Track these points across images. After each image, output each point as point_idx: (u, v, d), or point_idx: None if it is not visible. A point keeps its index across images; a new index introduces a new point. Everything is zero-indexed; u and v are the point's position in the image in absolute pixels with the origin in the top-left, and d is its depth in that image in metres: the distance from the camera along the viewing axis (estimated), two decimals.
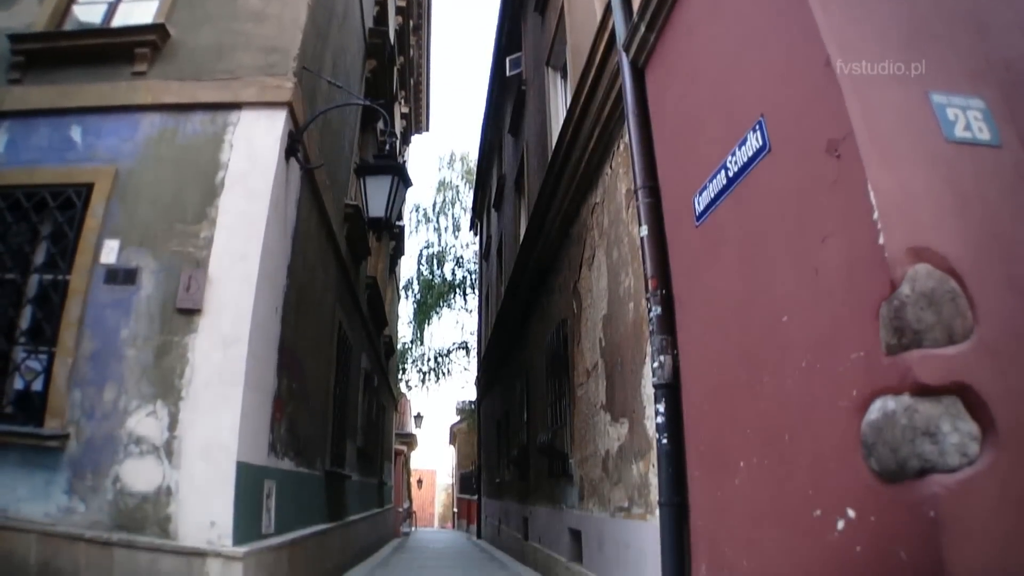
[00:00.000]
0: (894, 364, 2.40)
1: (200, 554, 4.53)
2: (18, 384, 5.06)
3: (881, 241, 2.47)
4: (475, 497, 22.59)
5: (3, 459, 4.79)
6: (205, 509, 4.62)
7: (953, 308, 2.41)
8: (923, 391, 2.32)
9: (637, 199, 4.81)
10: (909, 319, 2.37)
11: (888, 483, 2.40)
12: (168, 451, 4.72)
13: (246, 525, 4.84)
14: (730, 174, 3.71)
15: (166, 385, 4.85)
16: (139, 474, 4.71)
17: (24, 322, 5.21)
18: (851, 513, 2.60)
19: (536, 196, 9.03)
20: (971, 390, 2.33)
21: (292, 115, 5.69)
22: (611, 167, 6.20)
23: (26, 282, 5.27)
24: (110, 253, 5.15)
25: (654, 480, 4.59)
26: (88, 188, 5.35)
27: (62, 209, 5.34)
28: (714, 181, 3.90)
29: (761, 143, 3.38)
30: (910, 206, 2.53)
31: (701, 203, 4.08)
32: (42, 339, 5.09)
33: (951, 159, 2.68)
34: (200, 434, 4.75)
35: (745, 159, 3.54)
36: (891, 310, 2.42)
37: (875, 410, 2.47)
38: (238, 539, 4.64)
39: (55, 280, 5.20)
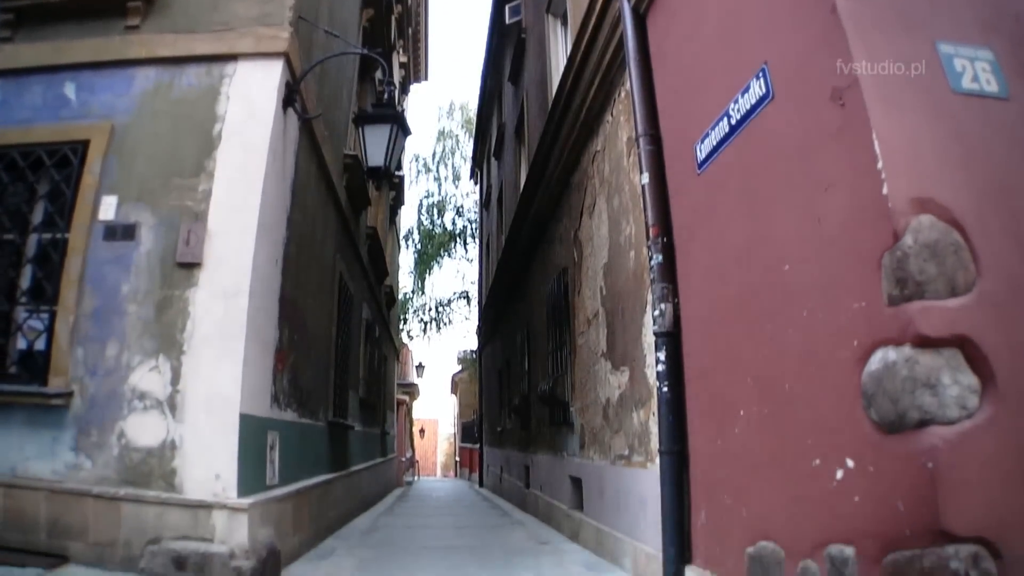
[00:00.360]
0: (895, 315, 2.40)
1: (206, 507, 4.58)
2: (21, 344, 5.05)
3: (885, 191, 2.46)
4: (477, 446, 22.80)
5: (9, 419, 4.82)
6: (209, 462, 4.66)
7: (956, 260, 2.40)
8: (924, 343, 2.33)
9: (638, 147, 4.78)
10: (911, 270, 2.37)
11: (887, 434, 2.42)
12: (171, 405, 4.75)
13: (250, 477, 4.88)
14: (732, 122, 3.67)
15: (168, 339, 4.85)
16: (143, 429, 4.74)
17: (25, 282, 5.18)
18: (850, 463, 2.62)
19: (536, 144, 8.96)
20: (972, 343, 2.33)
21: (289, 65, 5.60)
22: (612, 115, 6.14)
23: (25, 242, 5.24)
24: (108, 209, 5.10)
25: (654, 428, 4.63)
26: (84, 145, 5.27)
27: (59, 167, 5.27)
28: (716, 129, 3.86)
29: (764, 90, 3.34)
30: (915, 156, 2.51)
31: (703, 151, 4.05)
32: (43, 298, 5.07)
33: (957, 110, 2.65)
34: (203, 387, 4.76)
35: (748, 107, 3.50)
36: (893, 261, 2.42)
37: (876, 361, 2.48)
38: (243, 491, 4.69)
39: (54, 239, 5.16)
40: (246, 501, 4.60)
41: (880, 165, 2.49)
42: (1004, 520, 2.24)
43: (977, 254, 2.42)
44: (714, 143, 3.89)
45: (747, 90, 3.50)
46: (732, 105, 3.66)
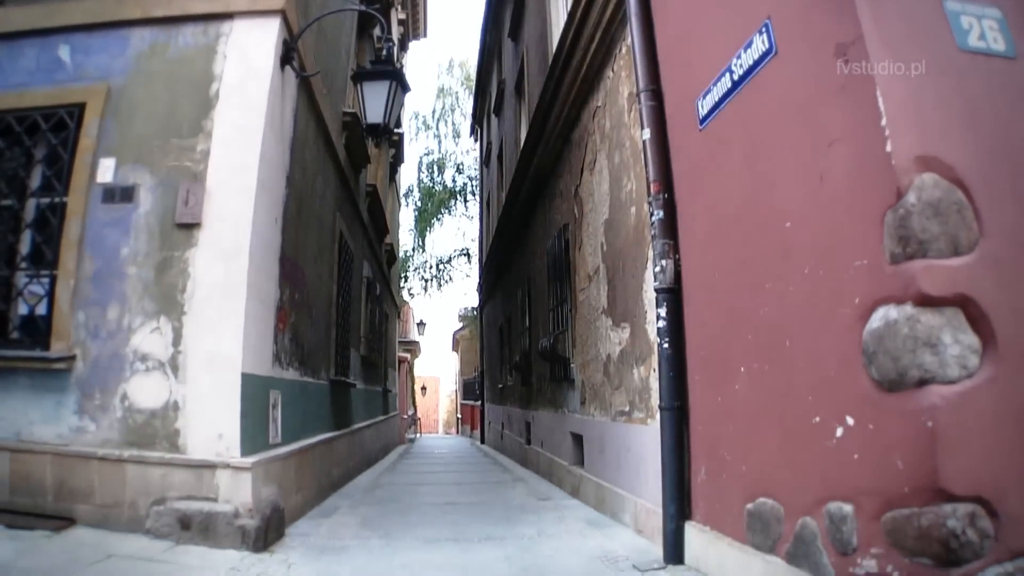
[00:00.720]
0: (897, 273, 2.40)
1: (209, 466, 4.62)
2: (22, 309, 5.07)
3: (888, 148, 2.43)
4: (478, 403, 22.94)
5: (12, 383, 4.85)
6: (212, 422, 4.69)
7: (959, 219, 2.39)
8: (926, 301, 2.33)
9: (639, 102, 4.74)
10: (914, 228, 2.35)
11: (887, 392, 2.43)
12: (173, 366, 4.77)
13: (253, 436, 4.92)
14: (735, 77, 3.63)
15: (169, 301, 4.85)
16: (146, 391, 4.76)
17: (24, 247, 5.17)
18: (850, 421, 2.64)
19: (536, 101, 8.88)
20: (973, 303, 2.33)
21: (286, 23, 5.51)
22: (613, 70, 6.07)
23: (23, 207, 5.21)
24: (106, 172, 5.06)
25: (655, 384, 4.65)
26: (80, 108, 5.21)
27: (55, 131, 5.21)
28: (718, 84, 3.82)
29: (767, 46, 3.30)
30: (919, 114, 2.49)
31: (705, 107, 4.01)
32: (43, 263, 5.05)
33: (963, 68, 2.62)
34: (204, 348, 4.78)
35: (751, 62, 3.46)
36: (896, 218, 2.41)
37: (877, 319, 2.48)
38: (246, 450, 4.72)
39: (52, 203, 5.13)
40: (249, 460, 4.64)
41: (884, 122, 2.46)
42: (1001, 480, 2.26)
43: (980, 214, 2.41)
44: (716, 99, 3.86)
45: (750, 45, 3.45)
46: (734, 60, 3.62)
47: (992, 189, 2.45)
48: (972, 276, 2.35)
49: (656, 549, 4.35)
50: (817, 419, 2.85)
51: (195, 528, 4.44)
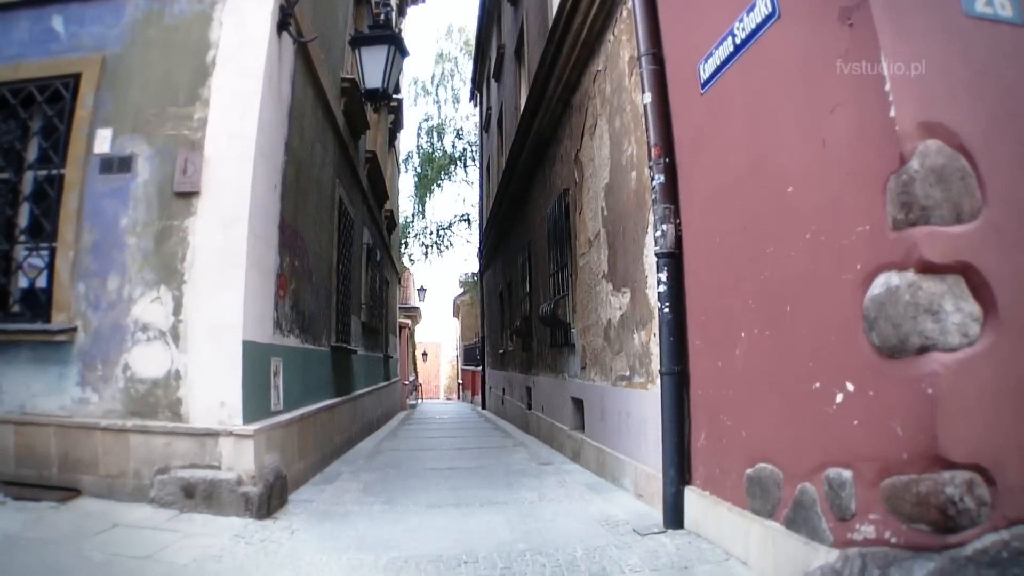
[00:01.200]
0: (900, 239, 2.39)
1: (212, 434, 4.65)
2: (23, 282, 5.06)
3: (892, 114, 2.41)
4: (479, 369, 23.02)
5: (15, 357, 4.86)
6: (214, 390, 4.71)
7: (962, 186, 2.38)
8: (928, 268, 2.32)
9: (640, 66, 4.69)
10: (917, 194, 2.34)
11: (888, 358, 2.43)
12: (175, 335, 4.77)
13: (255, 403, 4.94)
14: (737, 41, 3.59)
15: (169, 270, 4.85)
16: (148, 360, 4.77)
17: (23, 220, 5.15)
18: (850, 387, 2.64)
19: (536, 65, 8.79)
20: (975, 270, 2.33)
21: None
22: (614, 34, 6.00)
23: (21, 180, 5.18)
24: (103, 142, 5.03)
25: (655, 349, 4.66)
26: (76, 78, 5.15)
27: (51, 102, 5.16)
28: (720, 48, 3.78)
29: (770, 9, 3.25)
30: (923, 80, 2.46)
31: (706, 70, 3.97)
32: (42, 235, 5.04)
33: (969, 34, 2.58)
34: (205, 316, 4.78)
35: (753, 25, 3.42)
36: (899, 184, 2.39)
37: (879, 285, 2.48)
38: (248, 417, 4.74)
39: (50, 175, 5.09)
40: (251, 427, 4.66)
41: (888, 87, 2.44)
42: (1000, 448, 2.27)
43: (984, 181, 2.40)
44: (718, 63, 3.82)
45: (752, 8, 3.41)
46: (737, 24, 3.57)
47: (996, 157, 2.43)
48: (974, 244, 2.34)
49: (656, 513, 4.39)
50: (817, 385, 2.86)
51: (199, 496, 4.48)
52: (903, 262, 2.37)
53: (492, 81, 17.97)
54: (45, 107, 5.14)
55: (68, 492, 4.57)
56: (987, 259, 2.33)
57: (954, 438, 2.24)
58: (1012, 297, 2.33)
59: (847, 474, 2.62)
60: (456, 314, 41.71)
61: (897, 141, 2.39)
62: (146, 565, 3.48)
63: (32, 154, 5.21)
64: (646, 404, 4.92)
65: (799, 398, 3.00)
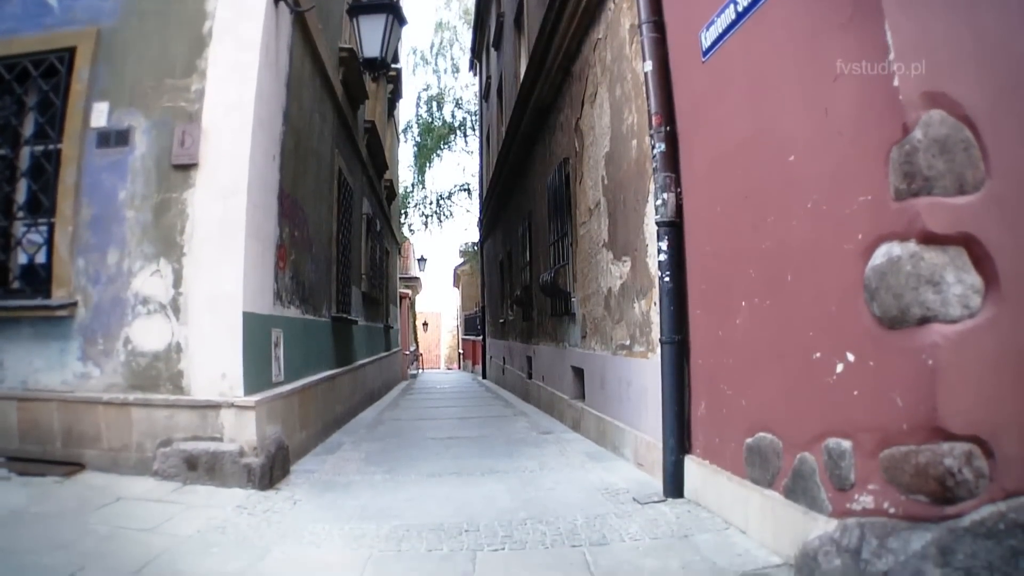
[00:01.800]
0: (902, 210, 2.37)
1: (213, 406, 4.67)
2: (22, 259, 5.06)
3: (896, 83, 2.39)
4: (480, 338, 23.06)
5: (16, 333, 4.88)
6: (215, 362, 4.73)
7: (966, 157, 2.36)
8: (930, 239, 2.31)
9: (641, 34, 4.64)
10: (920, 165, 2.32)
11: (888, 329, 2.43)
12: (175, 308, 4.78)
13: (256, 374, 4.96)
14: (739, 8, 3.55)
15: (168, 243, 4.84)
16: (148, 334, 4.79)
17: (20, 196, 5.13)
18: (850, 357, 2.64)
19: (536, 34, 8.70)
20: (977, 242, 2.32)
21: None
22: (614, 2, 5.93)
23: (18, 155, 5.16)
24: (100, 116, 5.00)
25: (655, 318, 4.65)
26: (70, 52, 5.10)
27: (46, 77, 5.12)
28: (722, 16, 3.73)
29: None
30: (928, 49, 2.43)
31: (708, 39, 3.93)
32: (40, 211, 5.03)
33: (975, 3, 2.54)
34: (205, 288, 4.78)
35: None
36: (902, 154, 2.37)
37: (880, 255, 2.47)
38: (249, 389, 4.77)
39: (47, 150, 5.07)
40: (253, 399, 4.69)
41: (891, 57, 2.41)
42: (999, 420, 2.27)
43: (988, 153, 2.37)
44: (720, 30, 3.77)
45: None
46: None
47: (1000, 128, 2.40)
48: (977, 215, 2.33)
49: (656, 482, 4.42)
50: (817, 355, 2.86)
51: (201, 468, 4.51)
52: (905, 232, 2.36)
53: (492, 50, 17.83)
54: (40, 82, 5.11)
55: (72, 467, 4.60)
56: (989, 231, 2.32)
57: (954, 410, 2.24)
58: (1014, 269, 2.32)
59: (846, 444, 2.63)
60: (456, 284, 41.70)
61: (900, 111, 2.37)
62: (150, 537, 3.51)
63: (28, 129, 5.18)
64: (646, 373, 4.93)
65: (799, 368, 3.00)
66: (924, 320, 2.30)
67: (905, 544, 2.27)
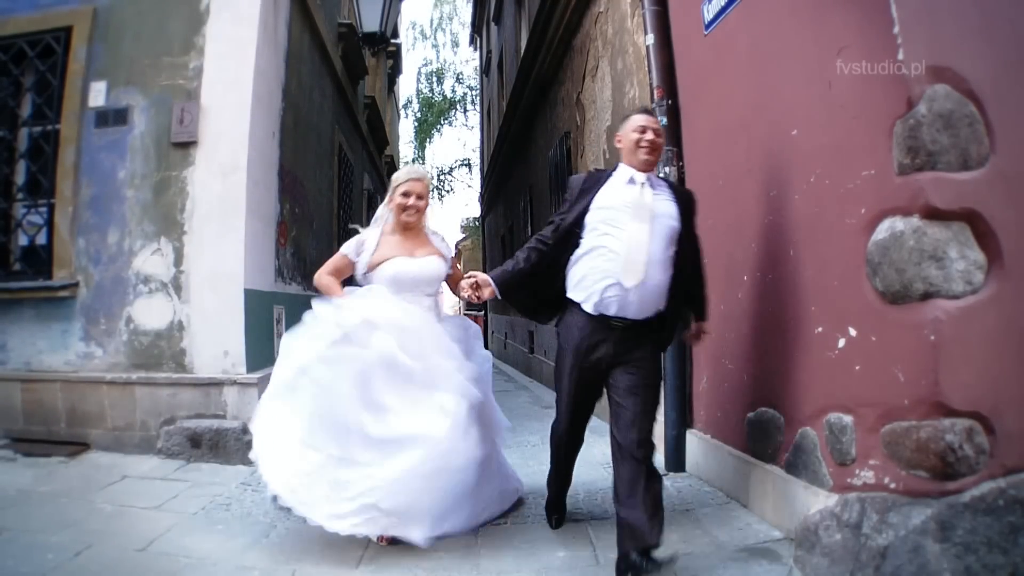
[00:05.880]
0: (906, 184, 2.36)
1: (216, 384, 4.69)
2: (23, 240, 5.05)
3: (900, 57, 2.36)
4: (482, 313, 23.06)
5: (18, 315, 4.88)
6: (217, 339, 4.74)
7: (970, 133, 2.33)
8: (933, 214, 2.30)
9: (643, 7, 4.60)
10: (924, 139, 2.30)
11: (891, 304, 2.42)
12: (176, 286, 4.78)
13: (258, 351, 4.96)
14: None
15: (168, 221, 4.83)
16: (150, 312, 4.79)
17: (20, 177, 5.11)
18: (852, 332, 2.64)
19: (537, 7, 8.64)
20: (981, 218, 2.30)
21: None
22: None
23: (16, 137, 5.14)
24: (98, 95, 4.96)
25: None
26: (67, 32, 5.05)
27: (42, 57, 5.08)
28: None
29: None
30: (933, 23, 2.40)
31: (710, 11, 3.89)
32: (40, 192, 5.01)
33: None
34: (206, 266, 4.78)
35: None
36: (906, 129, 2.35)
37: (883, 230, 2.45)
38: (251, 366, 4.78)
39: (45, 131, 5.05)
40: (255, 376, 4.70)
41: (896, 30, 2.38)
42: (1000, 396, 2.27)
43: (992, 128, 2.35)
44: (722, 3, 3.74)
45: None
46: None
47: (1005, 103, 2.38)
48: (981, 191, 2.31)
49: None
50: (819, 329, 2.85)
51: (205, 445, 4.54)
52: (908, 207, 2.34)
53: (492, 24, 17.70)
54: (37, 62, 5.08)
55: (77, 446, 4.63)
56: (993, 207, 2.30)
57: (955, 385, 2.24)
58: (1017, 246, 2.30)
59: (848, 419, 2.63)
60: (458, 258, 41.60)
61: (905, 85, 2.35)
62: (156, 515, 3.54)
63: (26, 110, 5.16)
64: None
65: (801, 342, 3.00)
66: (926, 295, 2.29)
67: (905, 519, 2.28)
